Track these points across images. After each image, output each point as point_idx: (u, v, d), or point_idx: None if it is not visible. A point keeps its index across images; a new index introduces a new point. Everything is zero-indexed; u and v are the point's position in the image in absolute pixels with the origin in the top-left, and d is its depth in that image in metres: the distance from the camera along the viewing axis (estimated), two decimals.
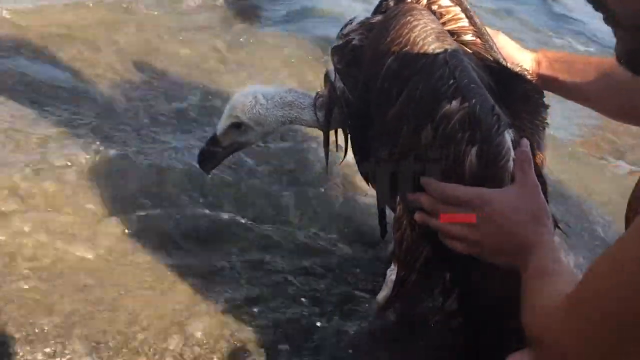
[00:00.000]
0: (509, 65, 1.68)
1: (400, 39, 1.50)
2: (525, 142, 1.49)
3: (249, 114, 1.81)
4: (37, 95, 2.75)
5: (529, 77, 1.70)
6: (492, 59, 1.67)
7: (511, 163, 1.44)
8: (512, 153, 1.45)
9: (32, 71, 2.91)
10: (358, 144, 1.76)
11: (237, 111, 1.82)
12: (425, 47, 1.49)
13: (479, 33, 1.68)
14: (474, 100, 1.44)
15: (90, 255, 2.05)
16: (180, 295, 1.98)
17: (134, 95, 2.91)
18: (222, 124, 1.87)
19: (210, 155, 1.91)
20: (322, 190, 2.53)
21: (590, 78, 1.74)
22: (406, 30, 1.50)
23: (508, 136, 1.46)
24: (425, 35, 1.50)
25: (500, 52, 1.69)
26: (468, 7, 1.69)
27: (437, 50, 1.48)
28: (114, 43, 3.28)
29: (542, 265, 1.31)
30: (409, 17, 1.52)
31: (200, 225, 2.27)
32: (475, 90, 1.45)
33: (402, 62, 1.50)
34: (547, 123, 1.73)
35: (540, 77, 1.80)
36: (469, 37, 1.68)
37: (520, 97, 1.69)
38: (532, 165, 1.44)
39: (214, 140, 1.89)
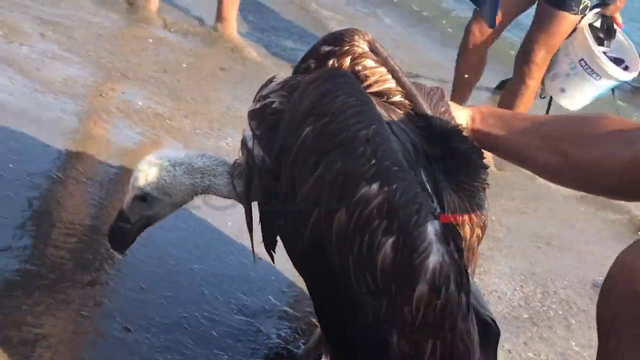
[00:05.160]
0: (443, 124, 1.58)
1: (320, 108, 1.35)
2: None
3: (153, 183, 1.61)
4: None
5: (465, 135, 1.61)
6: (422, 120, 1.57)
7: (432, 259, 1.28)
8: (436, 247, 1.29)
9: None
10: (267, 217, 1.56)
11: (140, 181, 1.62)
12: (347, 121, 1.33)
13: (408, 94, 1.59)
14: (394, 186, 1.29)
15: None
16: None
17: None
18: (127, 197, 1.66)
19: (120, 233, 1.70)
20: None
21: (526, 133, 1.65)
22: (327, 100, 1.35)
23: (431, 228, 1.30)
24: (347, 108, 1.34)
25: (432, 111, 1.60)
26: (395, 67, 1.59)
27: (360, 126, 1.33)
28: None
29: None
30: (331, 85, 1.37)
31: None
32: (397, 175, 1.31)
33: (320, 135, 1.34)
34: (487, 184, 1.63)
35: (474, 133, 1.70)
36: (397, 99, 1.59)
37: (458, 157, 1.58)
38: None
39: (121, 216, 1.68)
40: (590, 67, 3.84)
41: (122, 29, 4.07)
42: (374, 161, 1.29)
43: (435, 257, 1.27)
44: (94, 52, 3.58)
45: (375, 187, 1.28)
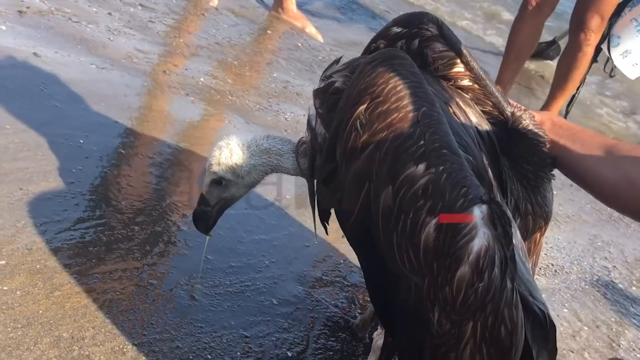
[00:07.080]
0: (511, 111, 1.59)
1: (374, 88, 1.37)
2: None
3: (225, 166, 1.70)
4: None
5: (533, 124, 1.60)
6: (491, 104, 1.59)
7: (476, 242, 1.27)
8: (482, 230, 1.28)
9: None
10: (323, 192, 1.60)
11: (213, 166, 1.71)
12: (399, 102, 1.35)
13: (476, 78, 1.60)
14: (441, 168, 1.29)
15: None
16: None
17: None
18: (204, 182, 1.76)
19: (203, 216, 1.81)
20: None
21: (593, 148, 1.60)
22: (381, 80, 1.37)
23: (478, 212, 1.28)
24: (400, 89, 1.36)
25: (502, 97, 1.59)
26: (464, 51, 1.60)
27: (411, 107, 1.34)
28: None
29: None
30: (387, 66, 1.39)
31: None
32: (445, 157, 1.31)
33: (371, 114, 1.36)
34: (553, 175, 1.63)
35: None
36: (465, 83, 1.60)
37: (523, 145, 1.59)
38: None
39: (202, 200, 1.78)
40: None
41: (185, 7, 4.15)
42: (422, 142, 1.30)
43: (480, 241, 1.26)
44: (157, 29, 3.67)
45: (421, 167, 1.29)
